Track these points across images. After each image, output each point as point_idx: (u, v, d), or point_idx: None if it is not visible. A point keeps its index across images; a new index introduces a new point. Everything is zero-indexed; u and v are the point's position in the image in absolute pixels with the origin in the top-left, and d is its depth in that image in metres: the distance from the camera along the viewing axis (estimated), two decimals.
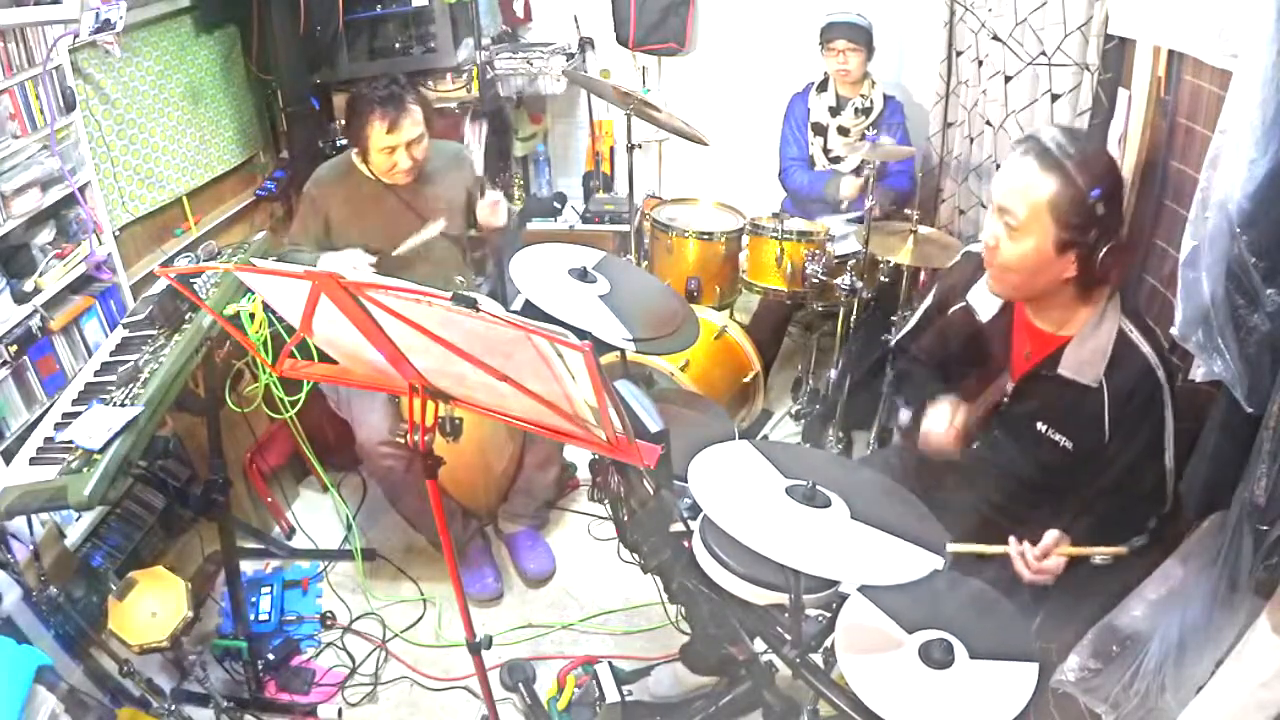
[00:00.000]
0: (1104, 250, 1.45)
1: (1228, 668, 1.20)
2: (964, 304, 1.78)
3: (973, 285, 1.76)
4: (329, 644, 2.41)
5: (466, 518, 2.63)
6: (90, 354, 2.32)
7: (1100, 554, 1.52)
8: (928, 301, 1.94)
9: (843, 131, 3.25)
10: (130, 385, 1.89)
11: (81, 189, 2.30)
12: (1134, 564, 1.52)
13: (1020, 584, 1.56)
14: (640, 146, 3.10)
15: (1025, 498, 1.69)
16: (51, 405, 2.03)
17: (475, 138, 3.52)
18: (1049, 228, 1.46)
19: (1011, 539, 1.57)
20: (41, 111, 2.17)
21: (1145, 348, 1.53)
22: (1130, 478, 1.56)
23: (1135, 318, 1.57)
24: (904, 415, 1.90)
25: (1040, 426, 1.64)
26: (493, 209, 2.57)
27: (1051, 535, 1.53)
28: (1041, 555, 1.53)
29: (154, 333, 2.08)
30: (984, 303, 1.74)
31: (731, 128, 3.74)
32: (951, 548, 1.50)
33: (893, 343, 2.05)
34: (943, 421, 1.71)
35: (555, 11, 3.88)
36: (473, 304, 1.11)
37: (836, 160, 3.27)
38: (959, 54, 3.07)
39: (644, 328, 1.73)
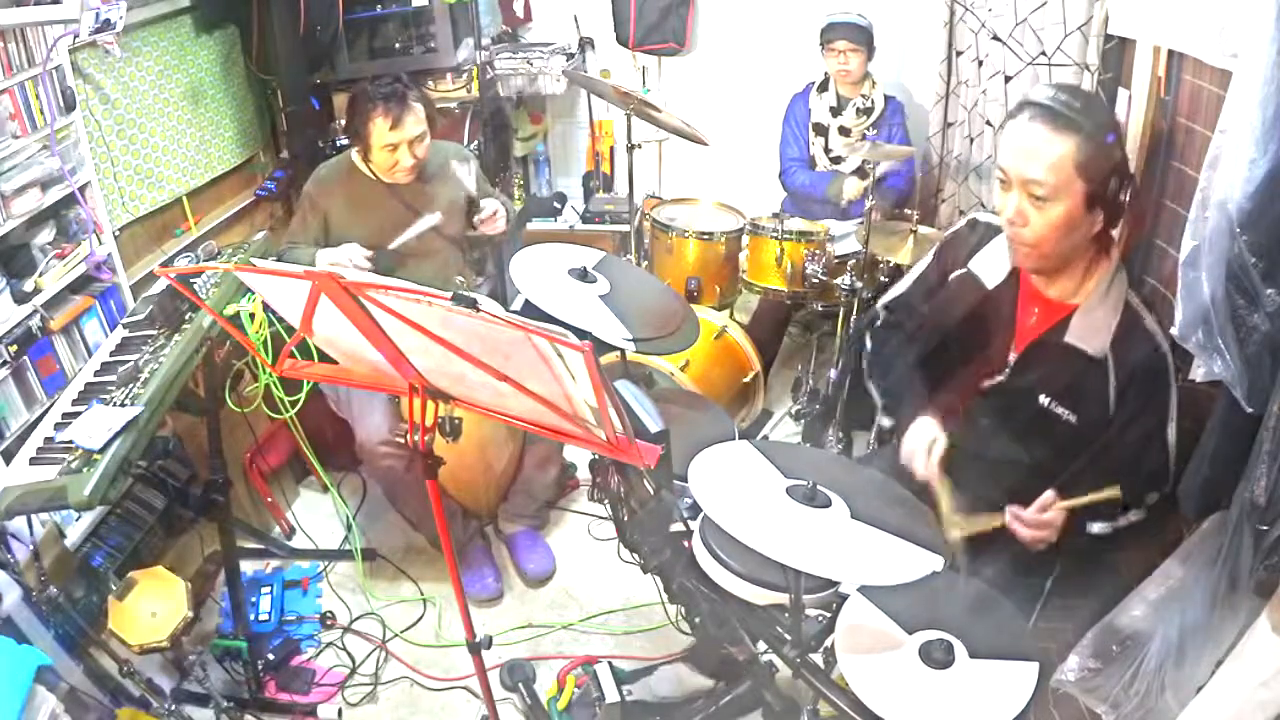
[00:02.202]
0: (1126, 193, 1.46)
1: (1228, 667, 1.21)
2: (966, 271, 1.74)
3: (976, 253, 1.73)
4: (329, 644, 2.40)
5: (466, 518, 2.63)
6: (90, 354, 2.32)
7: (1097, 501, 1.50)
8: (923, 265, 1.88)
9: (844, 132, 3.25)
10: (130, 385, 1.89)
11: (81, 189, 2.30)
12: (1134, 564, 1.52)
13: (1022, 575, 1.56)
14: (640, 146, 3.09)
15: (1024, 480, 1.66)
16: (51, 405, 2.03)
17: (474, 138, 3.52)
18: (1078, 186, 1.43)
19: (1008, 508, 1.56)
20: (41, 111, 2.17)
21: (1150, 321, 1.54)
22: (1133, 453, 1.56)
23: (1140, 295, 1.58)
24: (885, 421, 1.88)
25: (1043, 399, 1.63)
26: (490, 221, 2.57)
27: (1047, 495, 1.53)
28: (1040, 510, 1.52)
29: (154, 333, 2.08)
30: (989, 270, 1.70)
31: (731, 128, 3.74)
32: (954, 534, 1.50)
33: (880, 304, 1.97)
34: (923, 445, 1.65)
35: (555, 11, 3.88)
36: (473, 304, 1.11)
37: (837, 160, 3.27)
38: (959, 54, 3.07)
39: (644, 328, 1.73)
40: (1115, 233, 1.58)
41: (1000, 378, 1.70)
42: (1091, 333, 1.57)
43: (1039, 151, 1.43)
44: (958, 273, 1.77)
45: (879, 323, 1.98)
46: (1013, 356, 1.68)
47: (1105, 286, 1.57)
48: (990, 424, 1.72)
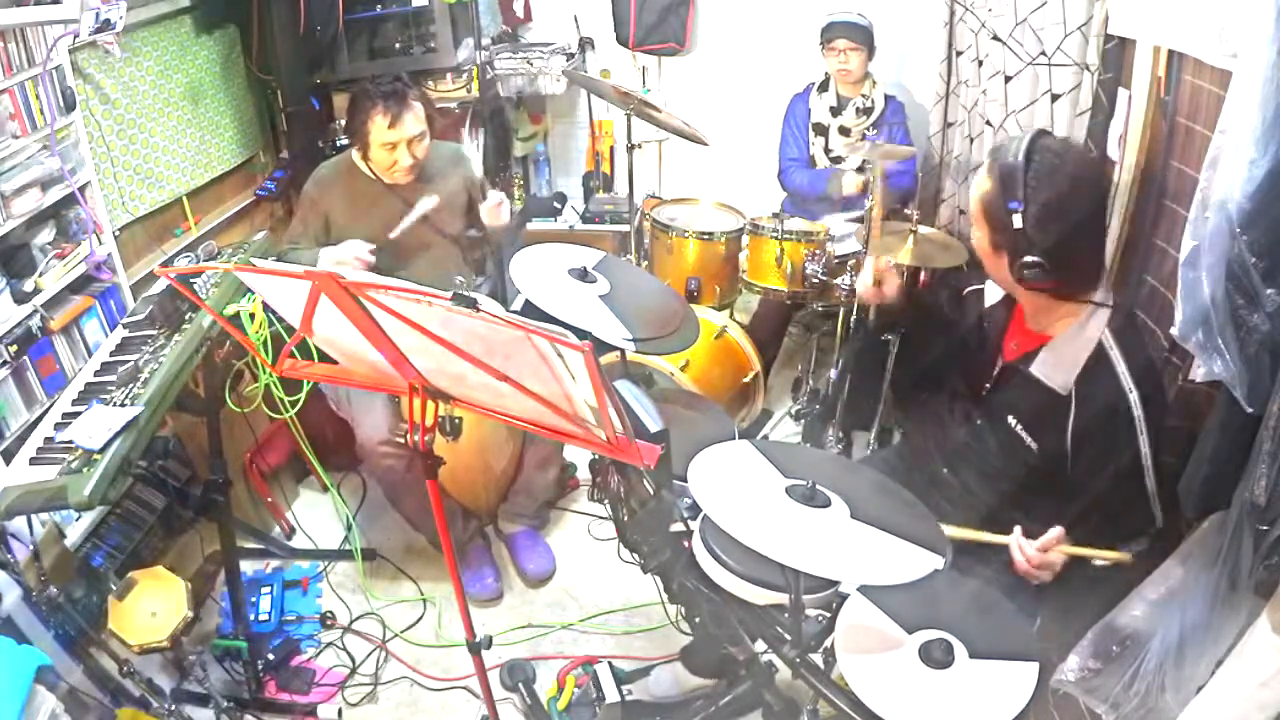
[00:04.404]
0: (1024, 265, 1.49)
1: (1228, 667, 1.20)
2: (981, 286, 1.83)
3: None
4: (329, 644, 2.41)
5: (466, 518, 2.63)
6: (90, 354, 2.32)
7: (1101, 558, 1.52)
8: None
9: (844, 131, 3.25)
10: (130, 385, 1.89)
11: (81, 189, 2.30)
12: (1134, 564, 1.52)
13: (1021, 584, 1.56)
14: (640, 146, 3.09)
15: (1010, 497, 1.70)
16: (51, 405, 2.03)
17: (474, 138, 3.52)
18: (983, 223, 1.56)
19: (1017, 529, 1.57)
20: (41, 111, 2.17)
21: (1121, 368, 1.52)
22: (1106, 497, 1.56)
23: (1123, 337, 1.55)
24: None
25: (1011, 421, 1.67)
26: (496, 210, 2.57)
27: (1054, 532, 1.53)
28: (1042, 549, 1.53)
29: (154, 333, 2.08)
30: (994, 288, 1.78)
31: (731, 128, 3.74)
32: (950, 532, 1.50)
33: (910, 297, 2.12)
34: (868, 273, 1.91)
35: (555, 11, 3.88)
36: (473, 304, 1.11)
37: (838, 160, 3.27)
38: (959, 54, 3.07)
39: (644, 328, 1.73)
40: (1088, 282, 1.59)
41: (982, 392, 1.76)
42: (1055, 368, 1.59)
43: (976, 179, 1.59)
44: (974, 286, 1.85)
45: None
46: (994, 374, 1.73)
47: (1078, 327, 1.58)
48: (971, 436, 1.78)
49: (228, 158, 3.06)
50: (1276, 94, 1.09)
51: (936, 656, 1.28)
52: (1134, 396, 1.50)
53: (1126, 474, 1.53)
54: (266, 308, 1.87)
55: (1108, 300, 1.58)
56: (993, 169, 1.52)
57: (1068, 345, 1.58)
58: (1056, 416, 1.58)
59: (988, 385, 1.74)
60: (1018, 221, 1.47)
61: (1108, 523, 1.57)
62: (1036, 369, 1.61)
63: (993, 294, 1.78)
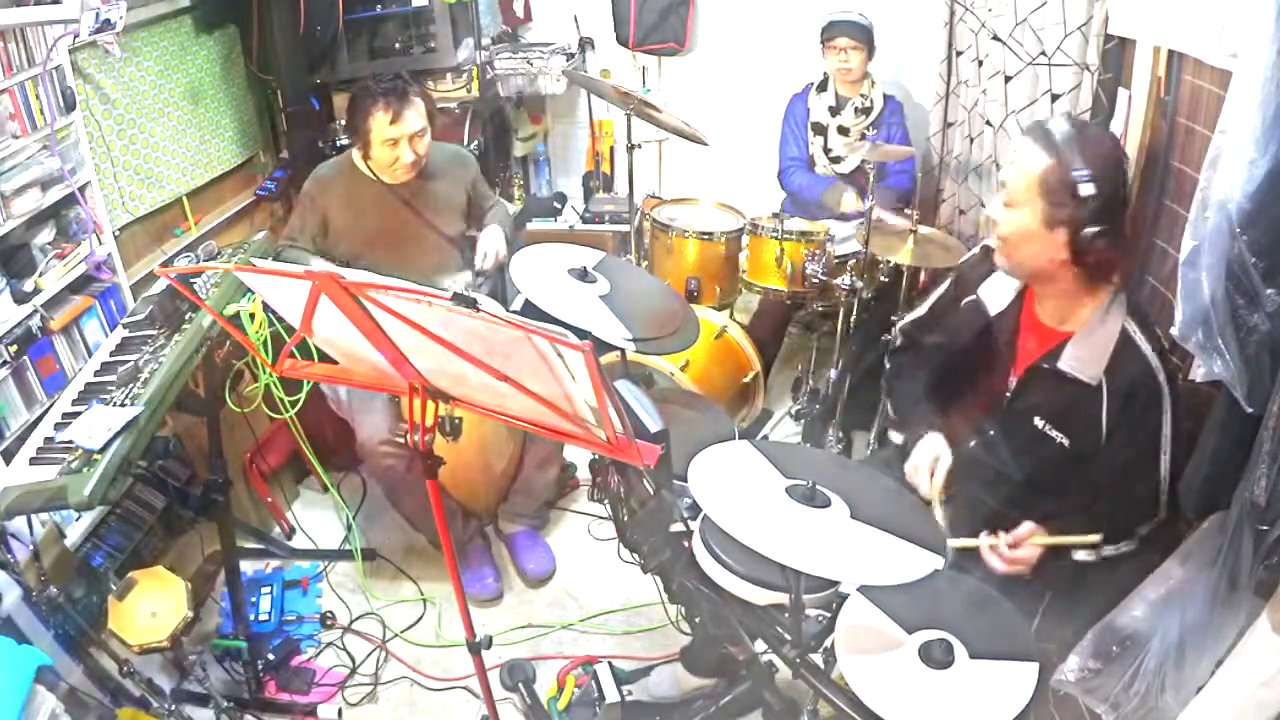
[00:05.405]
0: (1092, 235, 1.47)
1: (1228, 667, 1.21)
2: (975, 298, 1.79)
3: (986, 279, 1.78)
4: (329, 644, 2.41)
5: (466, 518, 2.63)
6: (90, 354, 2.32)
7: (1076, 544, 1.52)
8: (940, 291, 1.95)
9: (843, 131, 3.25)
10: (130, 385, 1.89)
11: (81, 189, 2.30)
12: (1134, 564, 1.52)
13: (1020, 583, 1.56)
14: (640, 146, 3.09)
15: (1021, 498, 1.69)
16: (51, 405, 2.03)
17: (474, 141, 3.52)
18: (1037, 201, 1.51)
19: (983, 534, 1.58)
20: (41, 111, 2.17)
21: (1147, 349, 1.54)
22: (1124, 481, 1.57)
23: (1140, 320, 1.57)
24: (896, 438, 1.91)
25: (1038, 422, 1.65)
26: (482, 259, 2.59)
27: (1026, 526, 1.54)
28: (1013, 544, 1.53)
29: (154, 333, 2.08)
30: (994, 297, 1.76)
31: (731, 128, 3.74)
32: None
33: (898, 327, 2.07)
34: (928, 462, 1.71)
35: (555, 11, 3.88)
36: (473, 304, 1.11)
37: (837, 160, 3.27)
38: (959, 54, 3.07)
39: (644, 327, 1.73)
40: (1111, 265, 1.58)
41: (1001, 402, 1.74)
42: (1084, 360, 1.58)
43: (1016, 159, 1.54)
44: (968, 299, 1.82)
45: (898, 345, 2.05)
46: (1013, 381, 1.72)
47: (1101, 315, 1.58)
48: (991, 445, 1.76)
49: (228, 158, 3.06)
50: (1276, 94, 1.09)
51: (936, 656, 1.28)
52: (1161, 376, 1.52)
53: (1145, 457, 1.54)
54: (266, 308, 1.87)
55: (1120, 284, 1.59)
56: (1046, 145, 1.48)
57: (1095, 334, 1.58)
58: (1089, 408, 1.57)
59: (1008, 393, 1.72)
60: (1087, 189, 1.45)
61: (1115, 511, 1.57)
62: (1065, 364, 1.60)
63: (996, 302, 1.75)
